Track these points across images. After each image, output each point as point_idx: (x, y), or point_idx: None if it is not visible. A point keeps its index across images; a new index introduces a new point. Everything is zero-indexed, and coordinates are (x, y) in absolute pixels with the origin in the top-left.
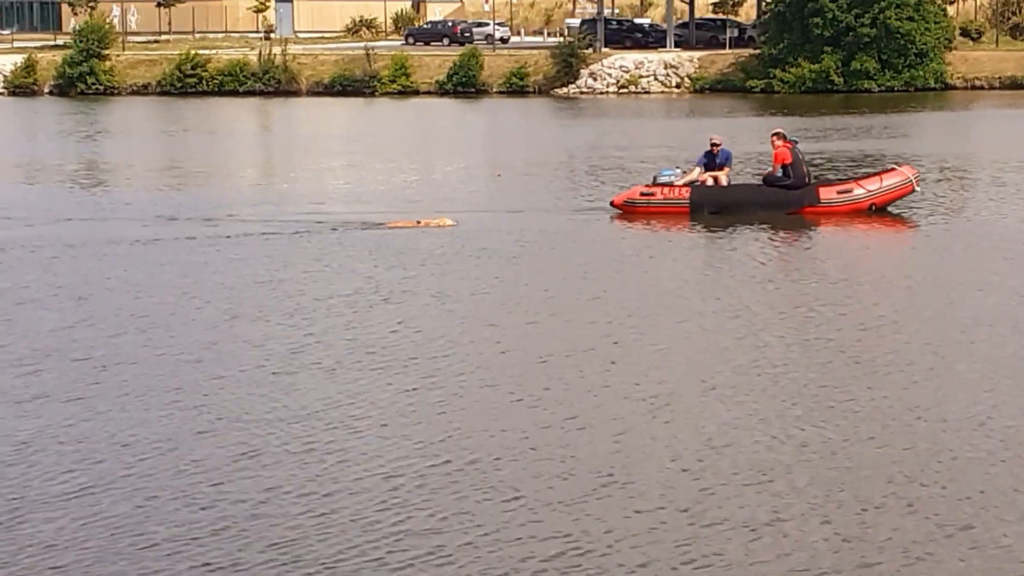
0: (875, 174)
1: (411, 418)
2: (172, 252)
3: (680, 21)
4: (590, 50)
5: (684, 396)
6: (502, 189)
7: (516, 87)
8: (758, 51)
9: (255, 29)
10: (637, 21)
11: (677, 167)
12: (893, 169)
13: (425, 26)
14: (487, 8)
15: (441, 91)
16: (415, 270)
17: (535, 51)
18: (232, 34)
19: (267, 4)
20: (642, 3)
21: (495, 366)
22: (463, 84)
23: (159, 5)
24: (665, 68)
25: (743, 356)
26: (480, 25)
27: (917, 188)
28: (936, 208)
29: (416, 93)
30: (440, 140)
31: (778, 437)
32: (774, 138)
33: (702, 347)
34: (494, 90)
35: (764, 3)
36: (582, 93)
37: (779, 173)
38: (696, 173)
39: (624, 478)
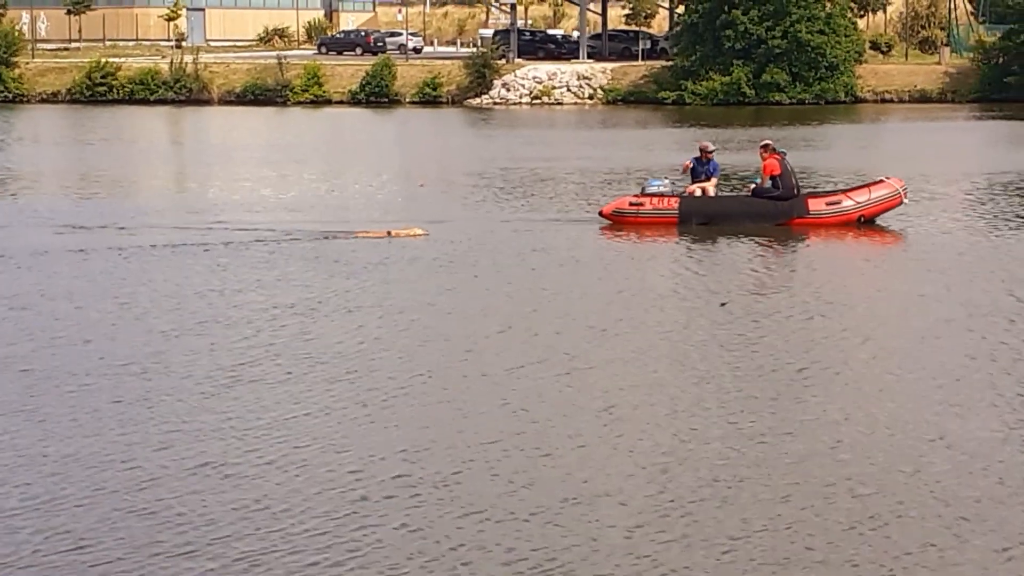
0: (864, 186)
1: (366, 431)
2: (103, 262)
3: (593, 33)
4: (503, 61)
5: (642, 409)
6: (452, 199)
7: (429, 97)
8: (670, 63)
9: (166, 37)
10: (550, 32)
11: (666, 177)
12: (882, 181)
13: (338, 35)
14: (400, 18)
15: (354, 101)
16: (387, 280)
17: (448, 61)
18: (143, 42)
19: (178, 12)
20: (555, 14)
21: (460, 377)
22: (376, 94)
23: (69, 13)
24: (578, 79)
25: (705, 368)
26: (393, 35)
27: (906, 200)
28: (889, 220)
29: (329, 102)
30: (359, 150)
31: (735, 451)
32: (762, 150)
33: (669, 358)
34: (407, 100)
35: (676, 15)
36: (495, 104)
37: (768, 184)
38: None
39: (580, 491)
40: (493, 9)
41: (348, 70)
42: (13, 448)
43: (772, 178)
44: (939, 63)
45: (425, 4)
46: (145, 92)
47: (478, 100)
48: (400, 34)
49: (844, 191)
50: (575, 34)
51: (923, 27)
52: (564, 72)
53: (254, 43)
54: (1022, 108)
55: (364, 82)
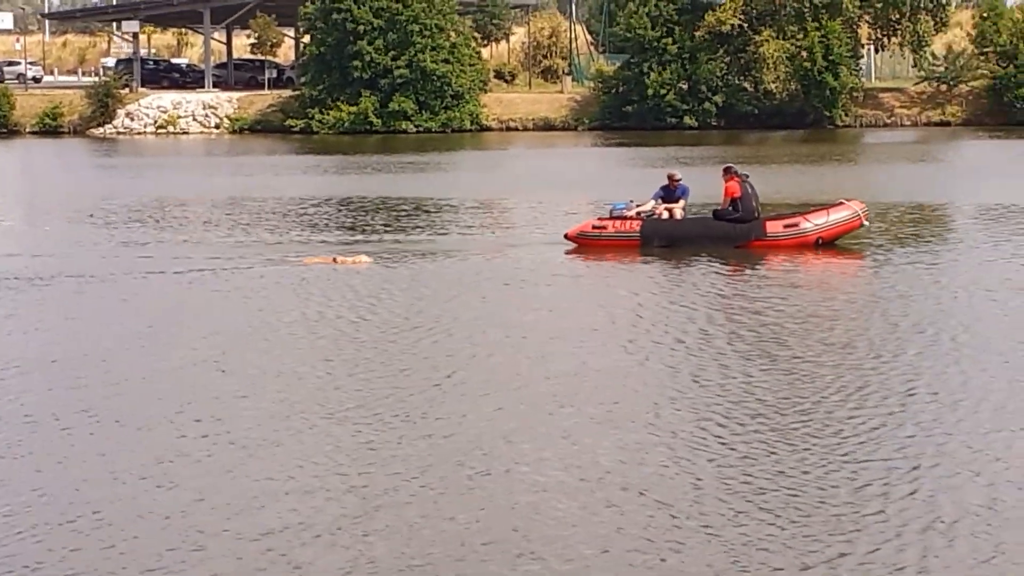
0: (822, 208)
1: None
2: None
3: (218, 62)
4: (126, 90)
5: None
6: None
7: (50, 127)
8: (298, 92)
9: None
10: (174, 61)
11: (631, 200)
12: (841, 204)
13: None
14: (18, 47)
15: None
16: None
17: (70, 91)
18: None
19: None
20: (179, 43)
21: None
22: None
23: None
24: (204, 108)
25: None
26: (11, 64)
27: (866, 223)
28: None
29: None
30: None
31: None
32: (724, 173)
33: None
34: (27, 130)
35: (303, 45)
36: (119, 133)
37: (728, 208)
38: (650, 205)
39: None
40: (115, 38)
41: None
42: None
43: (732, 200)
44: (561, 92)
45: (44, 33)
46: None
47: (101, 130)
48: (19, 63)
49: (802, 214)
50: (200, 63)
51: (545, 56)
52: (189, 101)
53: None
54: (640, 135)
55: None
